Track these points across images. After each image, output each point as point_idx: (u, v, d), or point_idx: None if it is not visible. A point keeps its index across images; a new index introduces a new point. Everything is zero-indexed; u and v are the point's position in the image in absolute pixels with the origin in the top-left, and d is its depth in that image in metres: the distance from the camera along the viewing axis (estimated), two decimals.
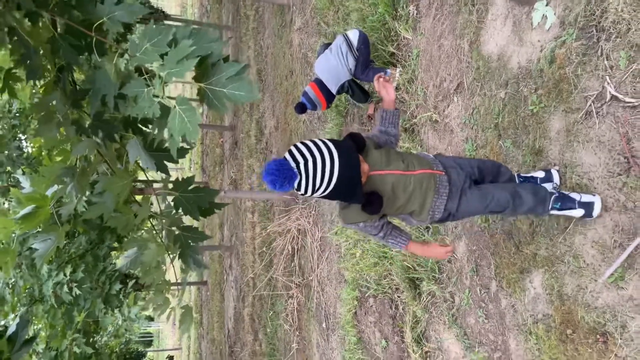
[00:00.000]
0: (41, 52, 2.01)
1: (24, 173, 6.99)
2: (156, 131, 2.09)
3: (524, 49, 3.03)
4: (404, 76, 4.32)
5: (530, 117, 2.93)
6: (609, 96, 2.44)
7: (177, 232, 2.76)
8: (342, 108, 5.56)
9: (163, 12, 14.12)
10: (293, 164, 1.94)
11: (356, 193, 2.08)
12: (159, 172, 2.64)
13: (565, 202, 2.51)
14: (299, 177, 1.94)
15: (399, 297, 4.29)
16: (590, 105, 2.53)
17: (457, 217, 2.44)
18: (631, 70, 2.35)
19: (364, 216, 2.19)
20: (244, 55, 10.88)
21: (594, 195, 2.50)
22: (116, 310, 6.00)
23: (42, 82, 2.35)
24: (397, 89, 4.43)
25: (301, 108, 4.88)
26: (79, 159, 2.93)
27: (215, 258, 13.36)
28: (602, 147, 2.49)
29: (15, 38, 2.05)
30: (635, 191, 2.32)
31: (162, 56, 1.71)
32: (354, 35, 4.34)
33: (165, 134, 2.14)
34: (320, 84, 4.70)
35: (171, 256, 2.92)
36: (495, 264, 3.22)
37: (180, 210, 2.68)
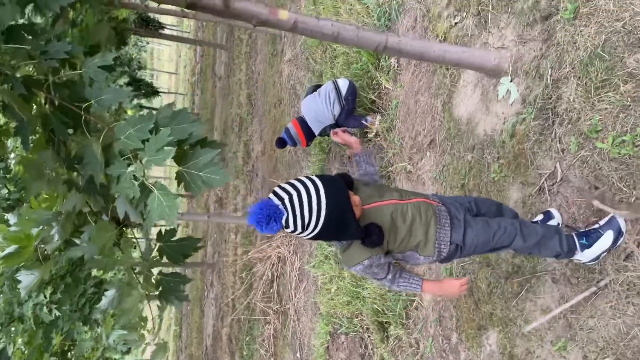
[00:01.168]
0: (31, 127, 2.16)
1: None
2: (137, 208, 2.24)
3: (489, 118, 3.24)
4: (383, 124, 4.52)
5: (492, 184, 3.13)
6: (559, 177, 2.64)
7: (158, 278, 2.91)
8: (325, 145, 5.75)
9: (159, 22, 14.29)
10: (277, 202, 1.87)
11: (350, 226, 1.98)
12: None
13: (589, 234, 2.38)
14: (285, 213, 1.86)
15: (369, 337, 4.45)
16: (543, 182, 2.73)
17: (465, 251, 2.30)
18: (580, 155, 2.55)
19: (366, 252, 2.05)
20: (235, 77, 11.07)
21: (607, 216, 2.41)
22: (94, 334, 6.09)
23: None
24: (376, 135, 4.62)
25: (281, 143, 5.10)
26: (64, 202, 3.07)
27: (197, 273, 13.43)
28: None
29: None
30: (578, 268, 2.52)
31: (144, 142, 1.87)
32: (343, 84, 4.53)
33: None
34: (302, 123, 4.89)
35: (150, 294, 3.06)
36: (456, 317, 3.40)
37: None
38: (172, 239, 2.71)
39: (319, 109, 4.65)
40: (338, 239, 2.10)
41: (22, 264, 3.24)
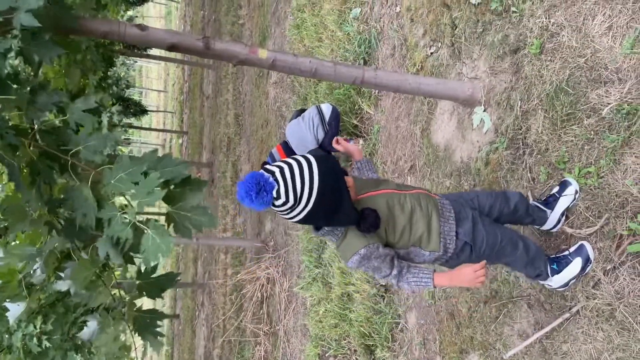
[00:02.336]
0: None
1: None
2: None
3: (465, 145, 3.34)
4: (366, 149, 4.62)
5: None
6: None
7: (134, 314, 2.96)
8: None
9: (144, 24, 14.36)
10: (267, 175, 1.78)
11: (344, 203, 1.86)
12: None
13: (560, 260, 2.44)
14: (276, 185, 1.76)
15: (356, 359, 4.50)
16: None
17: (475, 251, 2.18)
18: (549, 185, 2.66)
19: (363, 240, 1.94)
20: (223, 97, 11.17)
21: (577, 243, 2.48)
22: None
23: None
24: None
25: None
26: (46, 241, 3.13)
27: (188, 293, 13.39)
28: None
29: None
30: (551, 294, 2.61)
31: (135, 184, 1.95)
32: (327, 109, 4.62)
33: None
34: (286, 148, 4.97)
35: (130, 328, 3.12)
36: (440, 340, 3.47)
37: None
38: (152, 277, 2.77)
39: (303, 133, 4.74)
40: (332, 220, 1.92)
41: (8, 298, 3.29)
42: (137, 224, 2.06)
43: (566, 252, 2.49)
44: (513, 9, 2.94)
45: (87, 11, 2.65)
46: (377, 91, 4.57)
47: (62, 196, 2.41)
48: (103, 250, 2.62)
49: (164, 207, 2.16)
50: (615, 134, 2.34)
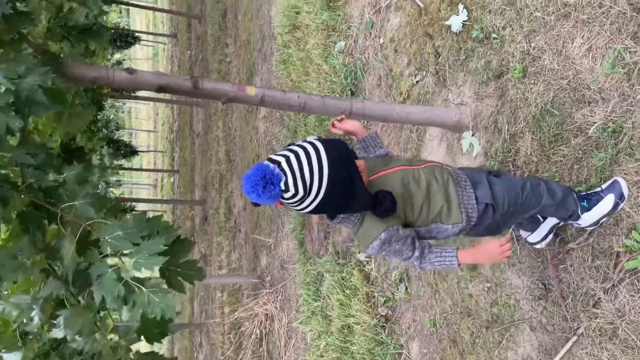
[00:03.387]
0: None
1: None
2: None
3: None
4: None
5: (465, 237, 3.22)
6: None
7: (133, 359, 2.90)
8: None
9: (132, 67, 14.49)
10: (273, 166, 1.65)
11: (358, 188, 1.75)
12: None
13: (590, 197, 2.31)
14: (284, 176, 1.64)
15: None
16: (511, 232, 2.83)
17: (498, 210, 2.08)
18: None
19: (382, 224, 1.83)
20: (213, 133, 11.23)
21: (610, 179, 2.34)
22: None
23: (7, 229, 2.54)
24: None
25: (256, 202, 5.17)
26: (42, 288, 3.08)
27: (186, 334, 13.15)
28: (524, 271, 2.78)
29: None
30: (553, 315, 2.59)
31: (134, 244, 1.94)
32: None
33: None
34: None
35: None
36: None
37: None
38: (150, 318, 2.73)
39: None
40: (345, 208, 1.81)
41: (4, 349, 3.21)
42: (131, 282, 2.03)
43: (598, 189, 2.34)
44: (494, 35, 3.00)
45: (76, 59, 2.67)
46: (365, 121, 4.61)
47: (54, 243, 2.39)
48: (99, 295, 2.59)
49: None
50: (603, 152, 2.37)
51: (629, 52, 2.25)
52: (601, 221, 2.36)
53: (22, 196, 2.07)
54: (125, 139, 23.94)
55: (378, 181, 1.93)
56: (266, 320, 6.92)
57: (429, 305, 3.62)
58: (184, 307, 14.01)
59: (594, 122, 2.42)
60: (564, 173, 2.55)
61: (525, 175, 2.75)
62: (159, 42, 27.66)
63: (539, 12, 2.69)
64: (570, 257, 2.52)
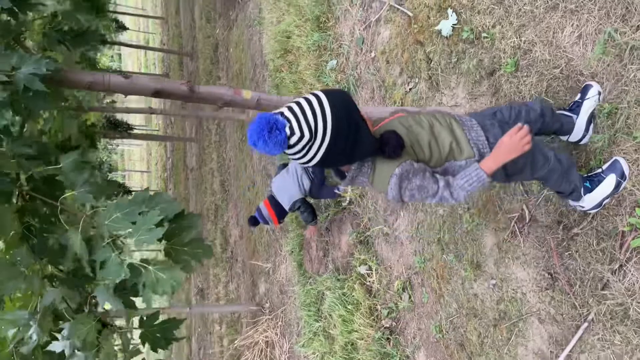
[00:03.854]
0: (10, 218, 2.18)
1: None
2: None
3: None
4: (355, 191, 4.62)
5: (467, 234, 3.19)
6: (528, 218, 2.73)
7: None
8: (301, 220, 5.79)
9: (127, 124, 14.58)
10: (277, 114, 1.68)
11: (363, 135, 1.76)
12: None
13: (592, 178, 2.33)
14: (287, 122, 1.66)
15: None
16: (513, 225, 2.81)
17: None
18: (543, 195, 2.66)
19: (394, 163, 1.83)
20: (207, 166, 11.23)
21: (610, 159, 2.35)
22: None
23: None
24: (350, 202, 4.72)
25: (253, 222, 5.14)
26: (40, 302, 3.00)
27: None
28: (528, 263, 2.74)
29: None
30: (561, 304, 2.54)
31: (133, 223, 1.91)
32: None
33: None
34: (273, 201, 4.95)
35: None
36: None
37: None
38: (155, 323, 2.65)
39: (288, 185, 4.74)
40: (353, 152, 1.79)
41: None
42: (135, 262, 2.00)
43: (599, 170, 2.35)
44: (484, 34, 3.06)
45: (71, 65, 2.69)
46: None
47: (58, 246, 2.35)
48: (102, 299, 2.52)
49: (150, 248, 2.11)
50: (601, 134, 2.38)
51: (619, 33, 2.30)
52: (604, 202, 2.34)
53: (22, 189, 2.04)
54: (119, 180, 23.90)
55: (380, 130, 1.94)
56: (267, 347, 6.75)
57: (433, 312, 3.55)
58: (181, 347, 13.70)
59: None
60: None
61: None
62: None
63: (527, 6, 2.76)
64: (575, 243, 2.49)
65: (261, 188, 7.60)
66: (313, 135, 1.68)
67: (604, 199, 2.33)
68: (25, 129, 2.44)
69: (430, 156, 1.93)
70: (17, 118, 1.91)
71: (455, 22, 3.30)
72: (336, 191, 4.72)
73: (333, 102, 1.70)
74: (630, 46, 2.26)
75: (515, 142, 1.85)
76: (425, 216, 3.66)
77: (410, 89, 3.86)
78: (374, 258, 4.34)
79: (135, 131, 16.19)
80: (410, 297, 3.82)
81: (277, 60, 6.54)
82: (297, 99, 1.73)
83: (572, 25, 2.54)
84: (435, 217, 3.54)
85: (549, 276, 2.61)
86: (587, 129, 2.45)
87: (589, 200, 2.34)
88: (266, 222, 5.09)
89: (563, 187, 2.30)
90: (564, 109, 2.51)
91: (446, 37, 3.41)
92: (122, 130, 13.59)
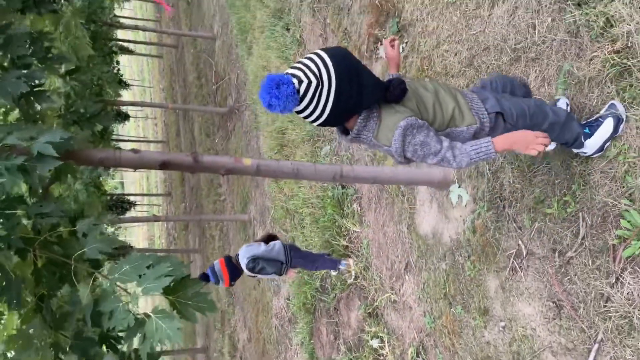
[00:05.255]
0: (23, 284, 2.27)
1: None
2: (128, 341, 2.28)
3: (450, 224, 3.49)
4: (359, 264, 4.69)
5: (470, 282, 3.24)
6: (524, 252, 2.82)
7: None
8: (309, 305, 5.75)
9: (131, 246, 14.74)
10: (281, 74, 1.81)
11: (366, 78, 1.88)
12: None
13: (591, 124, 2.38)
14: (292, 77, 1.79)
15: None
16: (512, 262, 2.89)
17: (508, 119, 2.16)
18: (535, 227, 2.78)
19: (399, 114, 1.91)
20: None
21: (607, 103, 2.41)
22: None
23: (21, 312, 2.55)
24: (355, 278, 4.75)
25: (204, 277, 4.84)
26: None
27: None
28: (532, 297, 2.78)
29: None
30: (570, 331, 2.55)
31: (140, 275, 2.02)
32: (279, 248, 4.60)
33: (136, 343, 2.33)
34: (228, 262, 4.74)
35: None
36: None
37: None
38: None
39: (254, 248, 4.60)
40: (362, 96, 1.88)
41: None
42: (139, 313, 2.07)
43: (596, 115, 2.40)
44: None
45: (84, 145, 2.93)
46: (359, 208, 4.81)
47: (66, 309, 2.41)
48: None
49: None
50: (576, 161, 2.57)
51: (576, 68, 2.57)
52: (605, 146, 2.40)
53: (37, 252, 2.16)
54: None
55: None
56: None
57: None
58: None
59: None
60: (547, 190, 2.71)
61: None
62: (154, 204, 28.62)
63: (494, 61, 3.08)
64: (572, 267, 2.56)
65: (267, 285, 7.58)
66: (319, 80, 1.81)
67: (604, 142, 2.38)
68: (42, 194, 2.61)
69: (434, 118, 2.03)
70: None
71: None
72: (340, 266, 4.74)
73: (330, 51, 1.84)
74: (588, 77, 2.52)
75: (531, 138, 1.91)
76: (430, 274, 3.72)
77: None
78: (385, 329, 4.29)
79: (138, 214, 16.27)
80: None
81: (275, 155, 6.90)
82: (299, 59, 1.87)
83: (535, 71, 2.83)
84: (439, 273, 3.60)
85: (554, 305, 2.64)
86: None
87: (590, 146, 2.40)
88: (217, 281, 4.83)
89: (566, 137, 2.37)
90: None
91: None
92: (125, 212, 13.46)
